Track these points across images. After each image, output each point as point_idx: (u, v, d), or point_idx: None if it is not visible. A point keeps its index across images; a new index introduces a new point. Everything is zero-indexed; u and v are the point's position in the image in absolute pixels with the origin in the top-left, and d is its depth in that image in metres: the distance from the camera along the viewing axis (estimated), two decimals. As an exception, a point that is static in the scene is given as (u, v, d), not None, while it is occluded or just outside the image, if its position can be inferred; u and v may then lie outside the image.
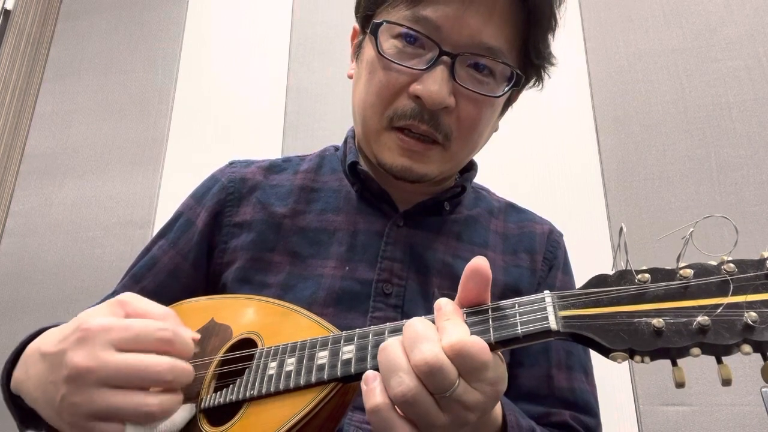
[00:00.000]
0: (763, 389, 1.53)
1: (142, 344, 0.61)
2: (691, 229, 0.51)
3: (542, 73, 0.96)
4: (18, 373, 0.75)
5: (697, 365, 1.75)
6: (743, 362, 1.72)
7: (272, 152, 2.32)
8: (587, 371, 0.99)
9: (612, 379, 1.80)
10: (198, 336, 0.67)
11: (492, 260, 0.97)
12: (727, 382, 0.48)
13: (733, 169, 1.94)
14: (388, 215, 0.97)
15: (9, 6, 2.67)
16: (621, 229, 0.55)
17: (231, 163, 1.08)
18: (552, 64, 0.95)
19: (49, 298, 2.37)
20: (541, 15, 0.87)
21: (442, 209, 1.00)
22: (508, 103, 1.00)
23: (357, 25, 0.99)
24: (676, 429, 1.74)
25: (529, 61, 0.91)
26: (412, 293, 0.91)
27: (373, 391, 0.56)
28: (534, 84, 0.97)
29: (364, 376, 0.59)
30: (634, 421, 1.77)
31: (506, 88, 0.89)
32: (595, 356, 1.02)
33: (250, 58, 2.55)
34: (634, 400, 1.78)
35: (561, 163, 2.10)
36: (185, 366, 0.63)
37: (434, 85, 0.82)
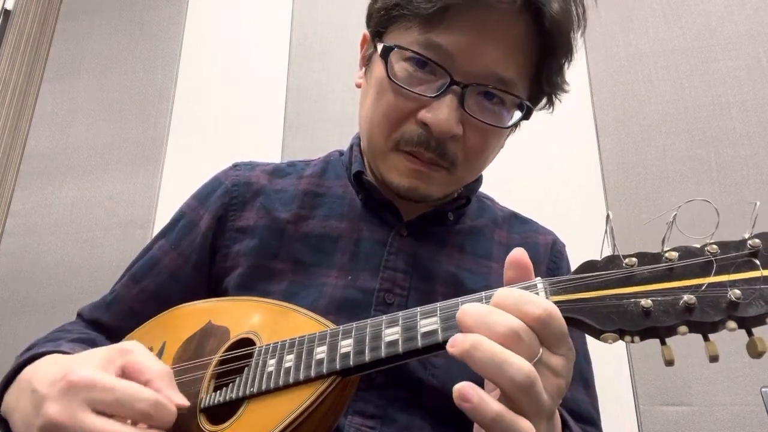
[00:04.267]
0: (763, 389, 1.52)
1: (120, 410, 0.60)
2: (674, 213, 0.53)
3: (553, 99, 0.94)
4: (10, 397, 0.74)
5: (696, 366, 1.74)
6: (743, 362, 1.72)
7: (272, 152, 2.33)
8: (588, 382, 0.99)
9: (612, 379, 1.80)
10: (186, 403, 0.65)
11: (496, 272, 0.97)
12: (714, 359, 0.49)
13: (733, 169, 1.94)
14: (392, 224, 0.96)
15: (9, 6, 2.69)
16: (608, 216, 0.57)
17: (235, 166, 1.07)
18: (565, 91, 0.94)
19: (49, 298, 2.37)
20: (558, 47, 0.85)
21: (446, 220, 0.99)
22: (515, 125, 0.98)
23: (367, 33, 0.96)
24: (676, 429, 1.73)
25: (541, 89, 0.90)
26: (414, 303, 0.88)
27: (485, 401, 0.52)
28: (544, 107, 0.96)
29: (459, 393, 0.53)
30: (634, 421, 1.76)
31: (515, 120, 0.88)
32: (594, 357, 1.02)
33: (250, 58, 2.55)
34: (634, 400, 1.78)
35: (561, 164, 2.10)
36: None
37: (443, 113, 0.81)
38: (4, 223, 2.55)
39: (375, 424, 0.81)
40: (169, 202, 2.40)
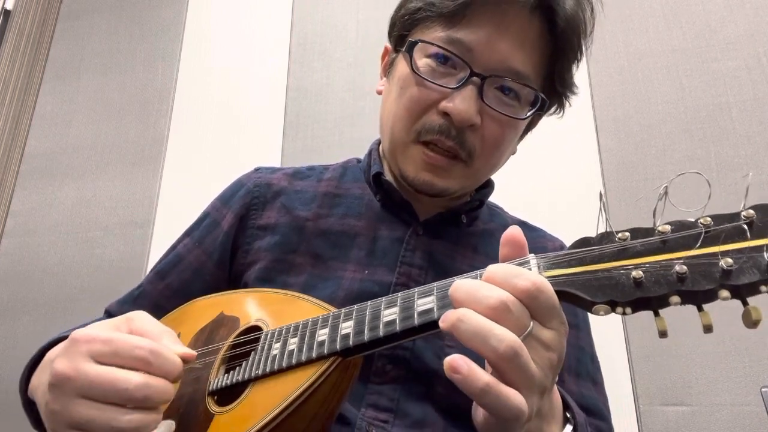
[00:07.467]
0: (763, 389, 1.51)
1: (120, 359, 0.62)
2: (665, 185, 0.55)
3: (564, 101, 1.00)
4: (35, 379, 0.80)
5: (697, 366, 1.73)
6: (743, 362, 1.71)
7: (272, 152, 2.34)
8: (596, 380, 1.00)
9: (612, 379, 1.78)
10: (194, 354, 0.67)
11: None
12: (708, 329, 0.49)
13: (733, 169, 1.94)
14: (408, 224, 1.00)
15: (9, 6, 2.70)
16: (600, 194, 0.59)
17: (257, 169, 1.12)
18: (574, 93, 0.99)
19: (49, 298, 2.37)
20: (569, 47, 0.92)
21: (459, 221, 1.03)
22: (528, 128, 1.04)
23: (389, 44, 1.04)
24: (676, 429, 1.73)
25: (553, 88, 0.95)
26: None
27: (475, 372, 0.53)
28: (555, 111, 1.02)
29: (450, 365, 0.54)
30: (634, 421, 1.76)
31: (530, 112, 0.93)
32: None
33: (250, 58, 2.56)
34: (634, 400, 1.77)
35: (561, 164, 2.10)
36: (160, 385, 0.62)
37: (463, 103, 0.86)
38: (4, 223, 2.55)
39: (388, 417, 0.83)
40: (169, 202, 2.41)
